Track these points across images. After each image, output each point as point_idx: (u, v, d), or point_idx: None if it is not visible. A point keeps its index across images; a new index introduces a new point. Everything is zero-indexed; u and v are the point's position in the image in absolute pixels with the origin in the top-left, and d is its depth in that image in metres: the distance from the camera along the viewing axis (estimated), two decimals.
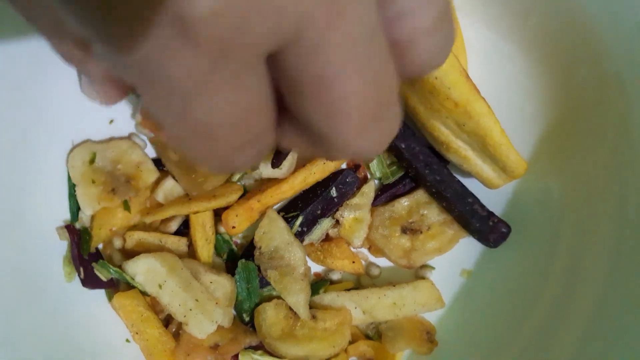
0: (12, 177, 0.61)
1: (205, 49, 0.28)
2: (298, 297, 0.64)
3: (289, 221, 0.67)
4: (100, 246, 0.68)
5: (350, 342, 0.67)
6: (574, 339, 0.57)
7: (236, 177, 0.70)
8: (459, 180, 0.66)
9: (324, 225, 0.68)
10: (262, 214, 0.67)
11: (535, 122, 0.65)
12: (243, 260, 0.67)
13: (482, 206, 0.66)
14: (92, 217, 0.66)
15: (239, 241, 0.71)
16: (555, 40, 0.60)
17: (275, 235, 0.65)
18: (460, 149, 0.63)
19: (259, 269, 0.66)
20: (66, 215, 0.66)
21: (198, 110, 0.31)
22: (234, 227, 0.66)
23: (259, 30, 0.28)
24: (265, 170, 0.67)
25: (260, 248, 0.66)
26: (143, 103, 0.65)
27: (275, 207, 0.69)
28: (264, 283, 0.67)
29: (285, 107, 0.35)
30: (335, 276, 0.70)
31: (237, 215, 0.66)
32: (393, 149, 0.68)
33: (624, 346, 0.52)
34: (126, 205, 0.66)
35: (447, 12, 0.35)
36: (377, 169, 0.69)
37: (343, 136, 0.33)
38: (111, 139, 0.67)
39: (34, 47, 0.58)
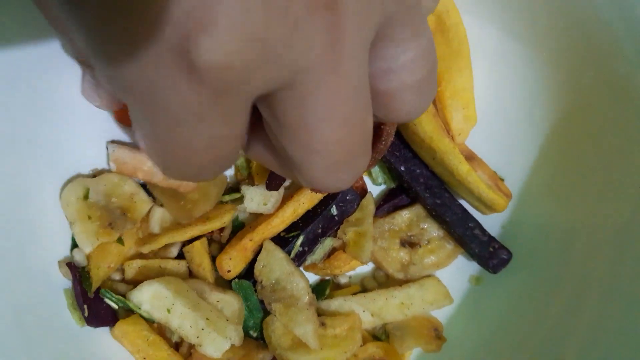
0: (9, 212, 0.58)
1: (208, 87, 0.29)
2: (305, 328, 0.63)
3: (290, 241, 0.66)
4: None
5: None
6: (582, 344, 0.59)
7: (226, 198, 0.68)
8: (460, 204, 0.66)
9: (326, 245, 0.67)
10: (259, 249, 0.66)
11: (544, 127, 0.64)
12: (236, 279, 0.66)
13: (484, 231, 0.65)
14: (88, 257, 0.64)
15: None
16: (563, 42, 0.59)
17: (275, 267, 0.64)
18: (442, 175, 0.63)
19: (262, 302, 0.66)
20: (65, 251, 0.64)
21: (181, 136, 0.32)
22: (229, 271, 0.65)
23: (262, 79, 0.30)
24: (250, 205, 0.66)
25: (261, 282, 0.65)
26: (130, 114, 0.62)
27: None
28: None
29: (257, 123, 0.36)
30: (343, 280, 0.70)
31: (230, 259, 0.65)
32: (393, 171, 0.66)
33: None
34: (120, 240, 0.64)
35: (433, 73, 0.37)
36: (379, 175, 0.68)
37: (312, 172, 0.35)
38: (102, 172, 0.65)
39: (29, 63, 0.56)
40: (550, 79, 0.62)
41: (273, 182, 0.64)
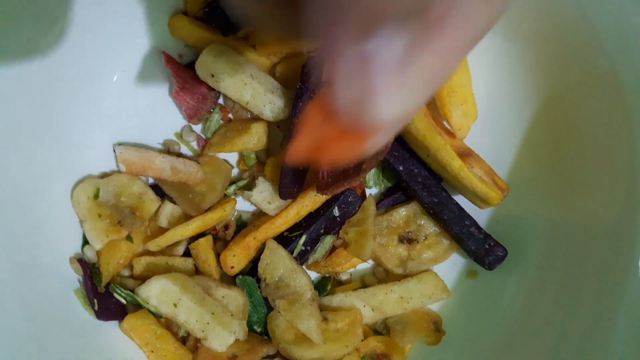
0: (21, 211, 0.61)
1: None
2: (309, 323, 0.65)
3: (293, 240, 0.68)
4: None
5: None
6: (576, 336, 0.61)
7: (230, 189, 0.70)
8: (457, 203, 0.67)
9: (327, 243, 0.69)
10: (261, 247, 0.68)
11: (534, 126, 0.66)
12: (240, 276, 0.68)
13: (479, 229, 0.67)
14: (98, 253, 0.67)
15: None
16: (548, 40, 0.61)
17: (278, 264, 0.66)
18: (439, 171, 0.65)
19: (266, 299, 0.68)
20: (76, 248, 0.67)
21: None
22: (232, 267, 0.67)
23: None
24: (256, 196, 0.68)
25: (265, 279, 0.67)
26: None
27: None
28: None
29: None
30: (344, 277, 0.72)
31: (234, 255, 0.67)
32: (391, 170, 0.68)
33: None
34: (128, 237, 0.67)
35: None
36: (371, 178, 0.70)
37: None
38: (111, 173, 0.67)
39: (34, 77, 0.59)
40: (538, 77, 0.64)
41: (285, 191, 0.65)
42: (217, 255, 0.69)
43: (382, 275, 0.72)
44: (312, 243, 0.69)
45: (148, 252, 0.68)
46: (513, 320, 0.67)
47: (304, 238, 0.68)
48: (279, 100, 0.66)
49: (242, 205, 0.72)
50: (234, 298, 0.67)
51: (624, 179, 0.58)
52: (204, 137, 0.72)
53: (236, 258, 0.67)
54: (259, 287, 0.68)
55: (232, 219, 0.72)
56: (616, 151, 0.59)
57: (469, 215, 0.67)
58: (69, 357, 0.61)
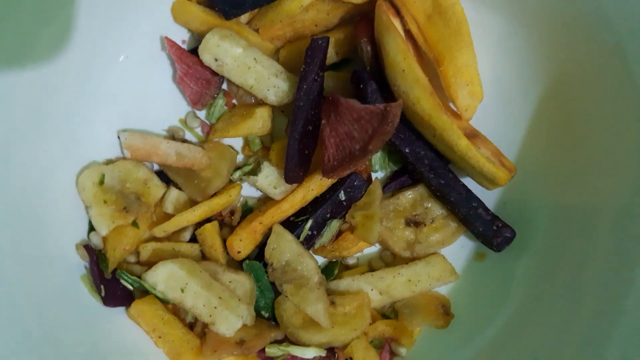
0: (26, 199, 0.61)
1: None
2: (317, 307, 0.65)
3: (299, 225, 0.67)
4: None
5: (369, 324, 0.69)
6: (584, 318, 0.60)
7: (236, 175, 0.70)
8: (463, 184, 0.67)
9: (333, 227, 0.69)
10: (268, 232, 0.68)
11: (541, 106, 0.65)
12: (247, 261, 0.68)
13: (487, 210, 0.66)
14: (104, 240, 0.67)
15: None
16: (554, 19, 0.60)
17: (285, 249, 0.66)
18: (445, 152, 0.65)
19: (273, 284, 0.67)
20: (82, 234, 0.67)
21: None
22: (239, 252, 0.67)
23: None
24: (262, 180, 0.68)
25: (272, 264, 0.67)
26: None
27: None
28: None
29: None
30: (351, 261, 0.72)
31: (241, 240, 0.67)
32: (397, 153, 0.68)
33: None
34: (134, 223, 0.67)
35: None
36: (377, 162, 0.70)
37: None
38: (116, 159, 0.67)
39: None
40: (543, 58, 0.63)
41: (291, 175, 0.65)
42: (224, 241, 0.69)
43: (389, 259, 0.72)
44: (319, 227, 0.68)
45: (154, 238, 0.68)
46: (521, 302, 0.67)
47: (310, 222, 0.67)
48: (283, 84, 0.66)
49: (248, 191, 0.72)
50: (241, 283, 0.67)
51: (633, 159, 0.57)
52: (208, 123, 0.72)
53: (243, 243, 0.67)
54: (266, 272, 0.68)
55: (238, 204, 0.72)
56: (625, 131, 0.58)
57: (477, 197, 0.66)
58: (76, 343, 0.61)
